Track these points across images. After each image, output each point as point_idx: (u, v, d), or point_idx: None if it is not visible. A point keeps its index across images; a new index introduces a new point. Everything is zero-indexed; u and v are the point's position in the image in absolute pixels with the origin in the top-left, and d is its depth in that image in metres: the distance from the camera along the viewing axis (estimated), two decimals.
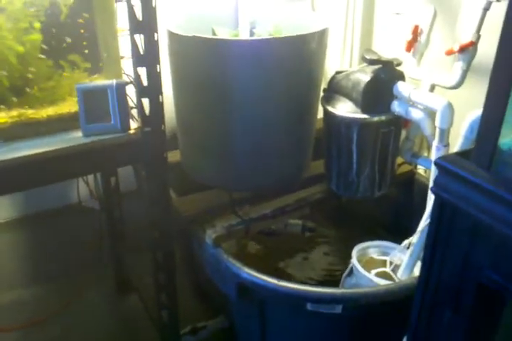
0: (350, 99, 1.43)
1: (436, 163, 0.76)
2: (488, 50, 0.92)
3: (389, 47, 1.88)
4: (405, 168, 1.77)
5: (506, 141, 0.70)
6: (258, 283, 1.30)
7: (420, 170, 1.80)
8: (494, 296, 0.73)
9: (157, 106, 1.24)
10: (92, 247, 1.94)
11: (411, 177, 1.79)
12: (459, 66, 1.42)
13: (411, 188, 1.79)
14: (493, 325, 0.79)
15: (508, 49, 0.67)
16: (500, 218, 0.66)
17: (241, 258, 1.44)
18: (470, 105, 1.32)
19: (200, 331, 1.76)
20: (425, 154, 1.75)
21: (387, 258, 1.44)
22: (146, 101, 1.23)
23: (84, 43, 1.26)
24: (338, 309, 1.27)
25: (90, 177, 1.81)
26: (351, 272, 1.45)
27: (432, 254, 0.80)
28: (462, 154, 0.76)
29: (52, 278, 2.01)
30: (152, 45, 1.18)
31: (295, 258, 1.87)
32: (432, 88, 1.52)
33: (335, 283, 1.62)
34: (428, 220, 1.26)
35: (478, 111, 1.13)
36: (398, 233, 1.69)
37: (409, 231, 1.52)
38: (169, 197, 1.42)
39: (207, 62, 1.36)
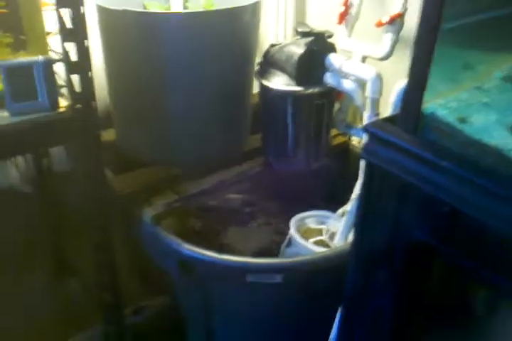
0: (284, 71, 1.44)
1: (364, 129, 0.78)
2: (414, 22, 0.95)
3: (322, 19, 1.90)
4: (340, 139, 1.81)
5: (429, 105, 0.73)
6: (199, 258, 1.31)
7: (355, 141, 1.85)
8: (423, 254, 0.76)
9: (87, 83, 1.20)
10: (27, 232, 1.88)
11: (345, 148, 1.83)
12: (388, 37, 1.44)
13: (346, 159, 1.83)
14: (423, 282, 0.84)
15: (427, 19, 0.70)
16: (426, 179, 0.69)
17: (182, 235, 1.44)
18: (399, 75, 1.36)
19: (143, 310, 1.76)
20: (359, 125, 1.78)
21: (324, 227, 1.48)
22: (75, 78, 1.19)
23: (7, 18, 1.20)
24: (278, 278, 1.30)
25: (21, 160, 1.74)
26: (290, 242, 1.48)
27: (363, 218, 0.83)
28: (389, 120, 0.79)
29: None
30: (79, 20, 1.14)
31: (237, 232, 1.89)
32: (364, 59, 1.54)
33: (276, 254, 1.65)
34: (359, 191, 1.29)
35: (405, 80, 1.17)
36: (335, 203, 1.73)
37: (345, 201, 1.56)
38: (104, 176, 1.39)
39: (139, 37, 1.34)
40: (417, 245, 0.74)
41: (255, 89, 1.59)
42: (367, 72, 1.29)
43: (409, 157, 0.72)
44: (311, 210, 1.60)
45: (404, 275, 0.81)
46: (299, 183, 1.80)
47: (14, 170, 1.79)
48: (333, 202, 1.77)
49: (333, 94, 1.49)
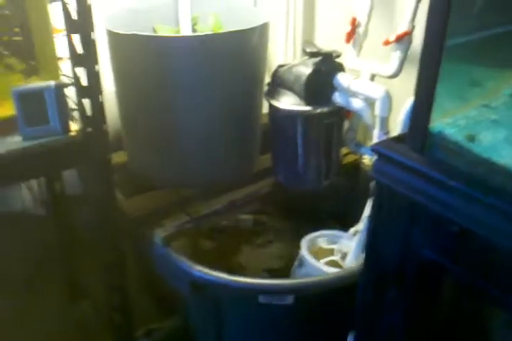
0: (293, 92, 1.44)
1: (373, 149, 0.78)
2: (422, 40, 0.95)
3: (330, 39, 1.91)
4: (351, 157, 1.80)
5: (437, 124, 0.73)
6: (210, 280, 1.30)
7: (366, 159, 1.84)
8: (433, 274, 0.75)
9: (98, 106, 1.22)
10: (40, 254, 1.89)
11: (356, 166, 1.83)
12: (396, 56, 1.44)
13: (357, 178, 1.82)
14: (434, 302, 0.82)
15: (432, 39, 0.70)
16: (435, 198, 0.69)
17: (194, 256, 1.44)
18: (408, 93, 1.36)
19: (154, 332, 1.75)
20: (370, 143, 1.78)
21: (335, 247, 1.47)
22: (87, 102, 1.21)
23: (20, 45, 1.23)
24: (290, 300, 1.29)
25: (34, 183, 1.76)
26: (301, 263, 1.47)
27: (374, 237, 0.82)
28: (397, 139, 0.79)
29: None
30: (89, 45, 1.16)
31: (248, 252, 1.88)
32: (372, 78, 1.55)
33: (288, 275, 1.64)
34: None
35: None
36: (346, 222, 1.72)
37: (357, 220, 1.55)
38: (115, 198, 1.39)
39: (149, 60, 1.35)
40: (427, 264, 0.73)
41: (264, 109, 1.60)
42: (376, 91, 1.29)
43: (418, 176, 0.71)
44: (322, 229, 1.59)
45: (415, 295, 0.79)
46: (310, 202, 1.80)
47: (27, 193, 1.81)
48: (344, 220, 1.76)
49: (343, 113, 1.49)
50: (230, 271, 1.34)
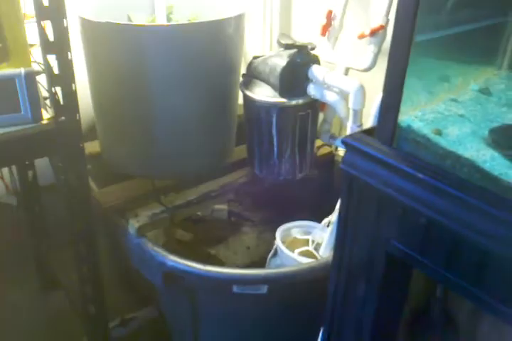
0: (268, 83, 1.45)
1: (343, 141, 0.79)
2: None
3: (306, 31, 1.92)
4: (325, 149, 1.82)
5: (405, 118, 0.74)
6: (184, 270, 1.30)
7: (340, 152, 1.86)
8: (402, 265, 0.77)
9: (70, 95, 1.20)
10: (12, 245, 1.87)
11: (331, 158, 1.84)
12: (370, 49, 1.46)
13: (331, 169, 1.84)
14: (403, 294, 0.84)
15: (401, 33, 0.71)
16: (402, 190, 0.70)
17: (170, 247, 1.44)
18: (381, 87, 1.38)
19: (130, 322, 1.75)
20: (341, 134, 1.79)
21: (310, 237, 1.48)
22: (59, 91, 1.19)
23: None
24: (264, 289, 1.30)
25: (5, 171, 1.74)
26: (276, 253, 1.48)
27: (344, 229, 0.83)
28: (367, 132, 0.80)
29: None
30: (61, 32, 1.15)
31: (223, 243, 1.89)
32: (347, 71, 1.56)
33: (263, 263, 1.65)
34: None
35: None
36: (321, 213, 1.74)
37: (331, 211, 1.57)
38: (88, 188, 1.38)
39: (122, 49, 1.34)
40: (395, 257, 0.75)
41: (240, 100, 1.60)
42: (349, 84, 1.30)
43: (386, 169, 0.72)
44: (296, 220, 1.60)
45: (383, 288, 0.81)
46: (285, 194, 1.81)
47: None
48: (319, 212, 1.78)
49: (317, 106, 1.50)
50: (206, 262, 1.34)
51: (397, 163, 0.71)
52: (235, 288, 1.29)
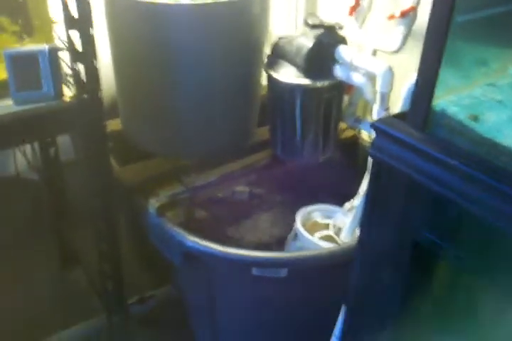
0: (294, 64, 1.41)
1: (373, 126, 0.76)
2: (428, 15, 0.92)
3: (333, 11, 1.87)
4: (349, 132, 1.78)
5: (440, 102, 0.71)
6: (203, 251, 1.30)
7: (364, 135, 1.83)
8: (430, 254, 0.75)
9: (93, 72, 1.19)
10: (33, 221, 1.88)
11: (354, 141, 1.81)
12: (399, 31, 1.41)
13: (354, 153, 1.81)
14: (428, 281, 0.82)
15: (439, 12, 0.67)
16: (435, 178, 0.67)
17: (189, 226, 1.43)
18: (410, 69, 1.33)
19: (148, 300, 1.76)
20: (369, 119, 1.76)
21: (331, 222, 1.46)
22: (81, 68, 1.18)
23: (12, 5, 1.19)
24: (283, 273, 1.29)
25: (27, 147, 1.74)
26: (296, 236, 1.47)
27: (370, 215, 0.81)
28: (398, 116, 0.77)
29: None
30: (84, 8, 1.13)
31: (243, 224, 1.88)
32: (374, 52, 1.52)
33: (282, 247, 1.65)
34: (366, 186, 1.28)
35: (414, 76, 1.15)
36: (343, 197, 1.72)
37: (353, 195, 1.54)
38: (110, 166, 1.38)
39: (147, 27, 1.32)
40: (424, 244, 0.73)
41: (263, 81, 1.57)
42: (378, 66, 1.27)
43: (418, 155, 0.70)
44: (318, 204, 1.58)
45: (409, 274, 0.79)
46: (307, 176, 1.78)
47: (21, 158, 1.79)
48: (340, 196, 1.76)
49: (343, 88, 1.47)
50: (224, 243, 1.33)
51: (429, 149, 0.68)
52: (255, 271, 1.28)
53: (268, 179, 1.75)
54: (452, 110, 0.71)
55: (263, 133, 1.67)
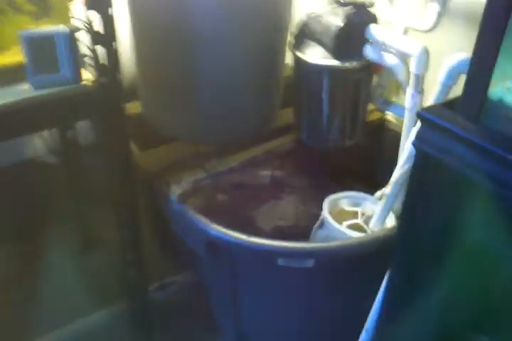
0: (321, 44, 1.34)
1: (419, 115, 0.70)
2: None
3: None
4: (375, 115, 1.71)
5: (497, 89, 0.64)
6: (227, 240, 1.25)
7: (390, 116, 1.75)
8: (481, 256, 0.69)
9: (112, 54, 1.13)
10: (51, 204, 1.85)
11: (381, 124, 1.74)
12: (434, 8, 1.33)
13: (381, 136, 1.74)
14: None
15: None
16: (489, 174, 0.61)
17: (209, 209, 1.38)
18: (444, 49, 1.26)
19: (168, 287, 1.74)
20: (395, 99, 1.68)
21: (359, 210, 1.41)
22: (100, 50, 1.12)
23: None
24: (310, 263, 1.24)
25: (45, 131, 1.70)
26: (322, 224, 1.42)
27: (412, 209, 0.76)
28: (447, 105, 0.70)
29: (8, 239, 1.89)
30: None
31: (264, 208, 1.83)
32: (406, 31, 1.44)
33: (304, 232, 1.60)
34: (401, 171, 1.21)
35: (456, 56, 1.07)
36: (368, 182, 1.66)
37: (379, 180, 1.49)
38: (130, 151, 1.33)
39: (169, 10, 1.25)
40: (474, 246, 0.67)
41: (288, 60, 1.51)
42: (412, 47, 1.19)
43: (470, 148, 0.63)
44: (343, 190, 1.52)
45: (454, 274, 0.74)
46: (331, 161, 1.72)
47: (39, 141, 1.75)
48: (365, 180, 1.70)
49: (372, 68, 1.40)
50: (242, 225, 1.29)
51: (484, 142, 0.62)
52: (280, 261, 1.24)
53: (291, 164, 1.70)
54: (510, 99, 0.64)
55: (286, 115, 1.60)
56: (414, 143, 0.72)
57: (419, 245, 0.79)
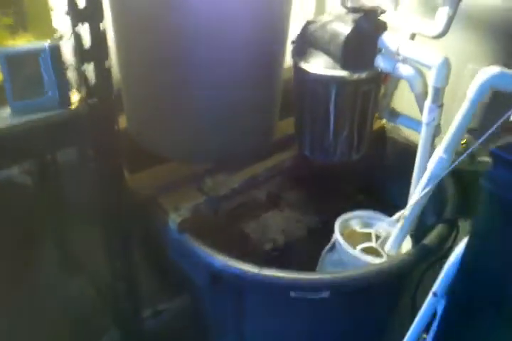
0: (327, 53, 1.24)
1: (493, 154, 0.60)
2: None
3: None
4: (377, 123, 1.61)
5: None
6: (235, 273, 1.14)
7: (387, 125, 1.66)
8: None
9: (104, 72, 1.00)
10: (27, 224, 1.69)
11: (382, 134, 1.65)
12: (444, 12, 1.24)
13: (381, 144, 1.65)
14: None
15: None
16: None
17: (204, 229, 1.26)
18: (457, 57, 1.17)
19: (162, 313, 1.61)
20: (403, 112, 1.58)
21: (372, 231, 1.31)
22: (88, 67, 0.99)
23: None
24: (326, 294, 1.14)
25: None
26: (333, 247, 1.32)
27: (477, 253, 0.66)
28: None
29: None
30: None
31: (258, 223, 1.72)
32: (412, 37, 1.34)
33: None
34: (422, 194, 1.12)
35: (488, 70, 0.98)
36: (372, 194, 1.58)
37: (385, 192, 1.41)
38: (123, 177, 1.20)
39: (161, 11, 1.13)
40: None
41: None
42: (432, 57, 1.10)
43: None
44: (344, 202, 1.44)
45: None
46: (330, 174, 1.62)
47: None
48: (370, 193, 1.62)
49: (381, 79, 1.30)
50: (234, 240, 1.24)
51: None
52: (294, 293, 1.14)
53: (293, 179, 1.59)
54: None
55: (286, 126, 1.50)
56: (484, 184, 0.62)
57: (478, 290, 0.70)
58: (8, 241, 1.73)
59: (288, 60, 1.45)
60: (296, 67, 1.31)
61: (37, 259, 1.78)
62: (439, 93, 1.13)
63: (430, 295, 0.86)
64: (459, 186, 1.35)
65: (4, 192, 1.68)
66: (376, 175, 1.65)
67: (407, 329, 0.99)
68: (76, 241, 1.75)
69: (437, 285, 0.84)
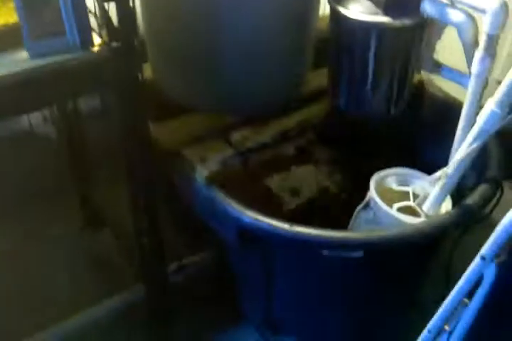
0: None
1: None
2: None
3: None
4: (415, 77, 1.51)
5: None
6: (265, 229, 1.09)
7: (425, 78, 1.56)
8: None
9: (127, 13, 0.92)
10: (51, 178, 1.66)
11: (420, 88, 1.54)
12: None
13: (420, 101, 1.55)
14: None
15: None
16: None
17: (225, 176, 1.21)
18: None
19: (186, 267, 1.59)
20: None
21: (409, 189, 1.24)
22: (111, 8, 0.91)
23: None
24: (359, 253, 1.09)
25: None
26: (368, 205, 1.25)
27: None
28: None
29: (8, 214, 1.70)
30: None
31: (284, 178, 1.66)
32: None
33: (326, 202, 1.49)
34: (469, 150, 1.04)
35: None
36: (407, 154, 1.49)
37: (418, 151, 1.32)
38: (147, 127, 1.14)
39: None
40: None
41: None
42: (487, 1, 0.99)
43: None
44: (369, 158, 1.37)
45: None
46: (364, 130, 1.54)
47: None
48: (405, 152, 1.53)
49: (426, 26, 1.20)
50: (261, 196, 1.20)
51: None
52: (326, 252, 1.09)
53: (324, 136, 1.51)
54: None
55: (317, 78, 1.41)
56: None
57: None
58: (31, 194, 1.71)
59: (323, 8, 1.36)
60: (333, 13, 1.22)
61: (61, 213, 1.76)
62: (492, 41, 1.03)
63: (477, 258, 0.79)
64: (504, 147, 1.26)
65: (27, 143, 1.65)
66: (413, 133, 1.56)
67: (440, 295, 0.93)
68: (100, 196, 1.72)
69: (486, 249, 0.78)
